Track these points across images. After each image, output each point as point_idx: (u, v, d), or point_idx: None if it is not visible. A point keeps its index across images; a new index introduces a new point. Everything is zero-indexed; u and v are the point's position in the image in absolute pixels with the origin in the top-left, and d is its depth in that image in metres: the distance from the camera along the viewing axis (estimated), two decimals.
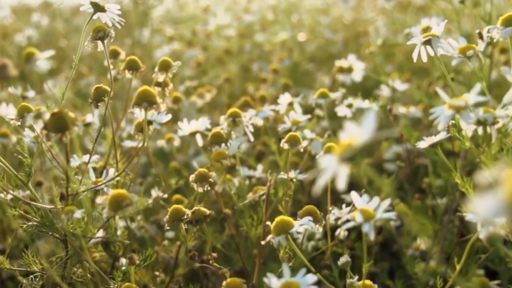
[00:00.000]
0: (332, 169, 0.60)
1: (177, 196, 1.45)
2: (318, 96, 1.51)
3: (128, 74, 1.28)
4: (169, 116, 1.21)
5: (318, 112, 1.69)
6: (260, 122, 1.53)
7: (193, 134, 1.45)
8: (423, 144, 1.06)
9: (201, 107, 2.13)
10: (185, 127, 1.45)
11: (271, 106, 1.58)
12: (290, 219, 0.95)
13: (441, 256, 1.54)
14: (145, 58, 3.00)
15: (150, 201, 1.48)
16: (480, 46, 0.92)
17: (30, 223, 1.06)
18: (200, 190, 1.18)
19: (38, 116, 0.85)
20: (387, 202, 0.85)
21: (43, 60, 0.82)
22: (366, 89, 2.37)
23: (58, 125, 0.84)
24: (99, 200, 0.86)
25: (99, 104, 1.17)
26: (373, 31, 3.03)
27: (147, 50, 3.02)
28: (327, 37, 2.96)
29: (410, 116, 1.93)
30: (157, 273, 1.29)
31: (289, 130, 1.41)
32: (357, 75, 1.93)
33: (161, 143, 1.63)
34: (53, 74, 3.31)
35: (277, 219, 0.95)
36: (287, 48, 2.84)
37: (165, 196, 1.44)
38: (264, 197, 1.34)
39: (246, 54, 2.82)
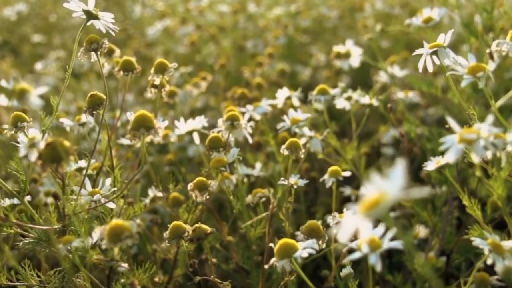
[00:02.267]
0: (355, 225, 0.58)
1: (174, 194, 1.42)
2: (317, 92, 1.48)
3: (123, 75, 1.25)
4: (166, 123, 1.18)
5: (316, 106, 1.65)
6: (257, 117, 1.51)
7: (190, 133, 1.42)
8: (431, 166, 1.04)
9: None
10: (182, 126, 1.42)
11: (268, 100, 1.55)
12: (293, 242, 0.92)
13: (440, 248, 1.53)
14: (137, 35, 2.94)
15: (147, 201, 1.46)
16: (491, 66, 0.89)
17: (26, 240, 1.04)
18: (199, 199, 1.16)
19: (32, 145, 0.81)
20: (393, 231, 0.82)
21: (35, 96, 0.78)
22: (363, 70, 2.34)
23: (53, 155, 0.81)
24: (97, 230, 0.84)
25: (94, 112, 1.14)
26: (369, 5, 2.98)
27: (139, 27, 2.96)
28: (322, 12, 2.91)
29: (408, 101, 1.90)
30: (156, 279, 1.27)
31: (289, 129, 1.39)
32: (355, 61, 1.90)
33: (157, 139, 1.59)
34: (44, 47, 3.26)
35: (281, 242, 0.92)
36: (282, 24, 2.79)
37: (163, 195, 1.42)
38: (263, 199, 1.32)
39: (240, 30, 2.77)
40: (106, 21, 1.09)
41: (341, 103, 1.55)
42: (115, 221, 0.84)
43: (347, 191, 1.65)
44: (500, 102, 1.05)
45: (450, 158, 0.75)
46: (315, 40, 3.02)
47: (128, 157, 1.89)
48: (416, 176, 1.75)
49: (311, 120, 1.66)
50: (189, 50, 2.57)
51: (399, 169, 0.56)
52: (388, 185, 0.57)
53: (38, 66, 2.66)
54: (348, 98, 1.55)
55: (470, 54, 0.92)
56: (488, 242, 0.88)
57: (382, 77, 1.95)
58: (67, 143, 0.82)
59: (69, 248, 0.93)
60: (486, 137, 0.76)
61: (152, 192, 1.46)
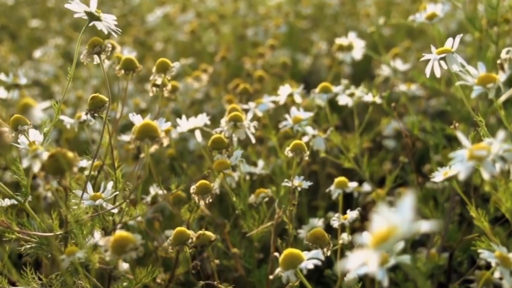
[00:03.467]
0: (364, 259, 0.57)
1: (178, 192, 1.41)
2: (320, 90, 1.47)
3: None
4: (169, 124, 1.17)
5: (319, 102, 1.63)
6: (260, 114, 1.49)
7: (191, 131, 1.41)
8: (438, 177, 1.02)
9: None
10: (184, 123, 1.40)
11: (271, 97, 1.53)
12: (299, 252, 0.91)
13: (442, 245, 1.52)
14: (136, 22, 2.92)
15: (148, 198, 1.45)
16: (501, 77, 0.87)
17: (28, 245, 1.03)
18: (202, 203, 1.15)
19: (35, 156, 0.80)
20: (401, 244, 0.81)
21: (39, 111, 0.77)
22: (365, 58, 2.32)
23: (56, 167, 0.80)
24: (101, 242, 0.83)
25: (95, 114, 1.12)
26: None
27: (138, 14, 2.93)
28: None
29: (411, 94, 1.89)
30: (158, 280, 1.27)
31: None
32: (357, 53, 1.88)
33: None
34: (42, 31, 3.23)
35: (286, 252, 0.91)
36: (283, 12, 2.76)
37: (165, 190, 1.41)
38: (266, 199, 1.31)
39: (240, 18, 2.74)
40: (108, 22, 1.07)
41: (343, 100, 1.54)
42: (119, 233, 0.83)
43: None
44: (504, 97, 1.04)
45: (460, 175, 0.73)
46: (316, 27, 2.99)
47: (127, 148, 1.88)
48: (418, 170, 1.74)
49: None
50: (189, 37, 2.55)
51: (407, 201, 0.55)
52: (397, 218, 0.56)
53: (37, 53, 2.63)
54: (351, 95, 1.54)
55: (480, 63, 0.90)
56: (496, 255, 0.87)
57: (384, 71, 1.93)
58: (70, 154, 0.81)
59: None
60: (496, 152, 0.75)
61: (153, 190, 1.45)
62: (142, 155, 0.86)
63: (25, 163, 0.81)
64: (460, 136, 0.76)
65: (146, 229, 1.45)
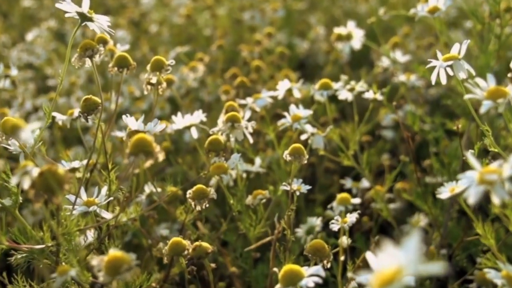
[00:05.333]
0: None
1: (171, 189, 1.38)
2: (320, 87, 1.43)
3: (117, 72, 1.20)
4: (163, 126, 1.14)
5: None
6: (258, 109, 1.46)
7: (187, 128, 1.37)
8: (445, 194, 0.99)
9: None
10: (179, 121, 1.36)
11: (269, 92, 1.49)
12: (299, 268, 0.88)
13: (441, 243, 1.50)
14: (131, 4, 2.86)
15: (143, 197, 1.42)
16: None
17: (19, 256, 1.00)
18: (198, 208, 1.12)
19: (25, 173, 0.76)
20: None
21: (28, 132, 0.73)
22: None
23: (47, 185, 0.76)
24: (94, 262, 0.80)
25: (89, 117, 1.09)
26: None
27: None
28: None
29: (410, 85, 1.84)
30: (153, 284, 1.24)
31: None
32: (356, 43, 1.84)
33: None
34: (35, 10, 3.17)
35: (285, 268, 0.88)
36: None
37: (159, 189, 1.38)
38: (264, 200, 1.28)
39: (237, 0, 2.69)
40: (100, 23, 1.03)
41: (343, 95, 1.50)
42: (114, 253, 0.79)
43: (348, 183, 1.61)
44: None
45: (470, 200, 0.70)
46: (313, 9, 2.94)
47: (121, 140, 1.84)
48: (417, 162, 1.71)
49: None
50: (184, 21, 2.49)
51: (413, 240, 0.52)
52: (402, 258, 0.53)
53: (29, 36, 2.57)
54: (351, 90, 1.50)
55: (489, 75, 0.86)
56: (503, 275, 0.84)
57: (384, 62, 1.89)
58: (61, 172, 0.77)
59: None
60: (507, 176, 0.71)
61: (148, 188, 1.42)
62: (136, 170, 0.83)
63: (14, 180, 0.77)
64: (470, 157, 0.73)
65: (140, 228, 1.41)
